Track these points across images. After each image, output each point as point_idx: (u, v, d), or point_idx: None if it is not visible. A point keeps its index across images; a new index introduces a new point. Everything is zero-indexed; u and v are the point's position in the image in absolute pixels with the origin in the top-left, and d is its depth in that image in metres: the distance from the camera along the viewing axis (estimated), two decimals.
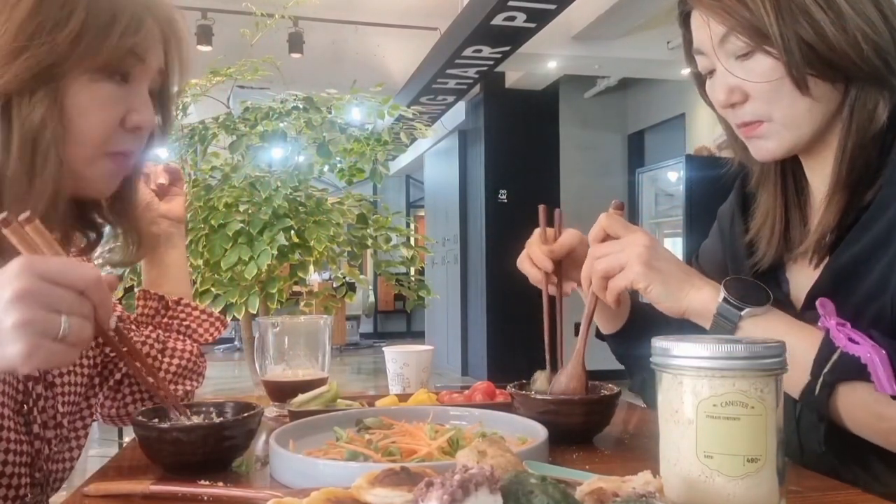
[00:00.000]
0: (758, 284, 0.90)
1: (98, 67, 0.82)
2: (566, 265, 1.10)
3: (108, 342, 0.86)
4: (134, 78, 0.87)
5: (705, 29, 0.93)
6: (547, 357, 1.09)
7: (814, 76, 0.88)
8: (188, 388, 1.13)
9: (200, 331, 1.17)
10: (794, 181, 1.04)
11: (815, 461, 0.89)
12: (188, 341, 1.15)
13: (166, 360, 1.11)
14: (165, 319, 1.15)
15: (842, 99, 0.91)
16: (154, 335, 1.12)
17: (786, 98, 0.90)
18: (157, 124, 0.97)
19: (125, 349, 0.84)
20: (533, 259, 1.09)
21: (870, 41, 0.87)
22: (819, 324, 0.83)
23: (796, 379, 0.83)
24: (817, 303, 0.85)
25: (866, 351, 0.77)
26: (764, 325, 0.86)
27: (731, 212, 1.14)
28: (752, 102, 0.93)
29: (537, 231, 1.11)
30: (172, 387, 1.10)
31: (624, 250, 0.93)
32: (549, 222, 1.11)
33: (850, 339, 0.79)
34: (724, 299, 0.87)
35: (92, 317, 0.68)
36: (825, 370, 0.81)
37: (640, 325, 1.11)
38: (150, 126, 0.89)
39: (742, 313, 0.86)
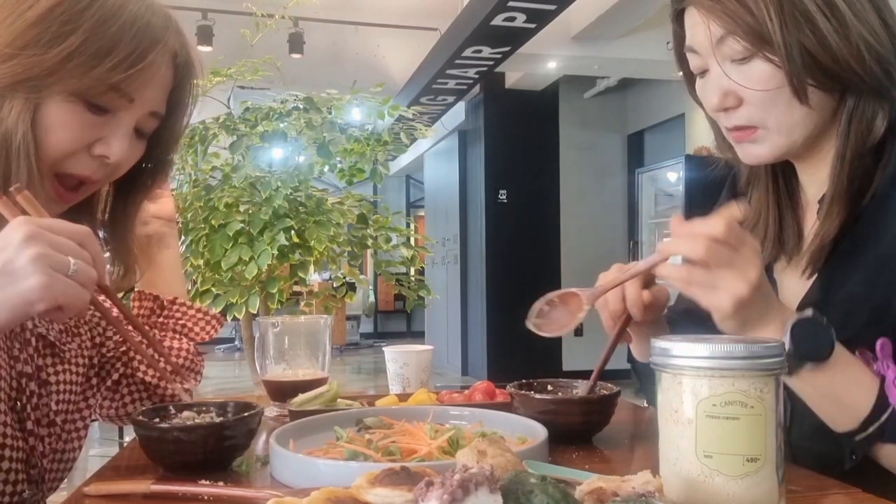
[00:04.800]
0: (824, 326, 0.80)
1: (76, 92, 0.81)
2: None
3: (108, 296, 0.87)
4: (114, 111, 0.85)
5: (702, 28, 0.90)
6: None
7: (813, 85, 0.87)
8: (186, 386, 1.13)
9: (197, 329, 1.17)
10: (786, 182, 1.02)
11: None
12: (184, 340, 1.15)
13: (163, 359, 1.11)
14: (161, 319, 1.15)
15: (837, 107, 0.90)
16: (150, 335, 1.12)
17: (782, 105, 0.89)
18: (153, 161, 0.97)
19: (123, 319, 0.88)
20: (627, 296, 0.94)
21: (873, 51, 0.86)
22: (875, 368, 0.81)
23: (843, 420, 0.81)
24: (877, 345, 0.82)
25: None
26: (822, 376, 0.80)
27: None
28: (747, 107, 0.91)
29: (643, 264, 0.91)
30: (170, 385, 1.11)
31: (726, 276, 0.77)
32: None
33: None
34: (788, 351, 0.77)
35: (92, 263, 0.74)
36: (874, 425, 0.79)
37: None
38: (118, 159, 0.87)
39: (802, 369, 0.80)
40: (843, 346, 0.81)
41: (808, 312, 0.80)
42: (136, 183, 0.98)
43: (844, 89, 0.89)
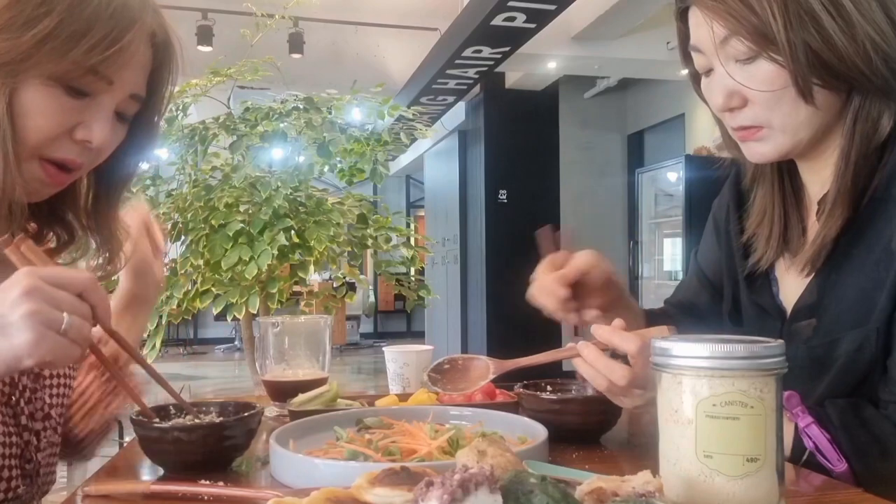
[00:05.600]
0: None
1: (53, 76, 0.80)
2: (583, 291, 1.00)
3: (116, 340, 0.86)
4: (94, 94, 0.84)
5: (706, 28, 0.89)
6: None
7: (819, 85, 0.86)
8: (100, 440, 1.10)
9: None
10: (791, 180, 1.02)
11: None
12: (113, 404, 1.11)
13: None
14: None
15: (843, 106, 0.89)
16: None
17: (787, 105, 0.88)
18: (135, 145, 0.95)
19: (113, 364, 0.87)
20: (542, 289, 0.99)
21: (879, 50, 0.85)
22: (787, 417, 0.85)
23: None
24: (783, 396, 0.84)
25: (835, 464, 0.82)
26: None
27: (725, 209, 1.13)
28: (752, 107, 0.90)
29: (546, 259, 1.01)
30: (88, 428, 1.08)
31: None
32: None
33: (817, 448, 0.83)
34: None
35: (90, 317, 0.74)
36: (800, 463, 0.85)
37: None
38: (101, 143, 0.86)
39: None
40: None
41: None
42: (118, 168, 0.97)
43: (850, 89, 0.88)
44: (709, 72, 0.94)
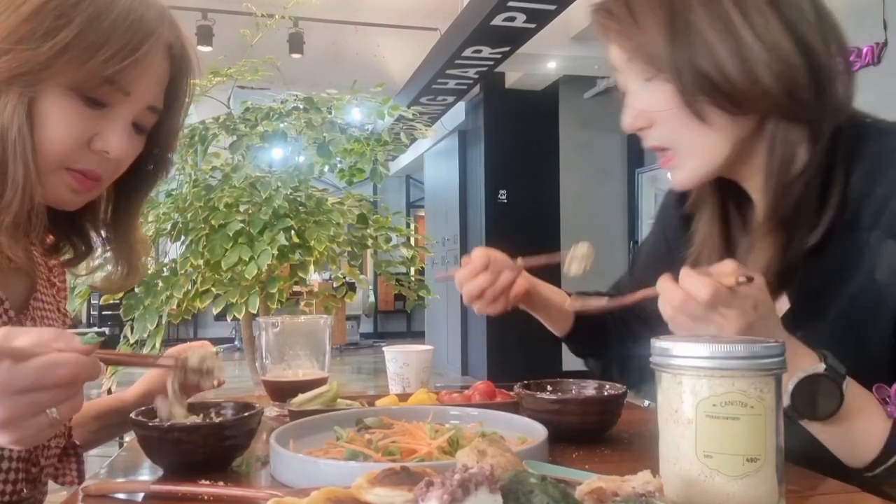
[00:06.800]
0: (831, 382, 0.76)
1: (71, 86, 0.81)
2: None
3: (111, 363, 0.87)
4: (111, 105, 0.85)
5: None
6: None
7: (712, 106, 0.83)
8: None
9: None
10: (736, 200, 0.98)
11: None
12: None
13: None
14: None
15: (758, 130, 0.86)
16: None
17: (688, 127, 0.86)
18: (153, 157, 0.96)
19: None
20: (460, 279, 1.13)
21: (773, 72, 0.81)
22: (888, 409, 0.79)
23: (851, 460, 0.80)
24: (893, 389, 0.79)
25: None
26: (827, 428, 0.78)
27: (673, 223, 1.10)
28: (658, 128, 0.89)
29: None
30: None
31: (725, 314, 0.73)
32: None
33: None
34: (786, 409, 0.76)
35: (80, 392, 0.68)
36: (882, 467, 0.77)
37: (588, 323, 1.13)
38: (118, 154, 0.86)
39: (804, 422, 0.79)
40: (857, 385, 0.78)
41: (820, 367, 0.76)
42: (137, 181, 0.98)
43: (762, 112, 0.85)
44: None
